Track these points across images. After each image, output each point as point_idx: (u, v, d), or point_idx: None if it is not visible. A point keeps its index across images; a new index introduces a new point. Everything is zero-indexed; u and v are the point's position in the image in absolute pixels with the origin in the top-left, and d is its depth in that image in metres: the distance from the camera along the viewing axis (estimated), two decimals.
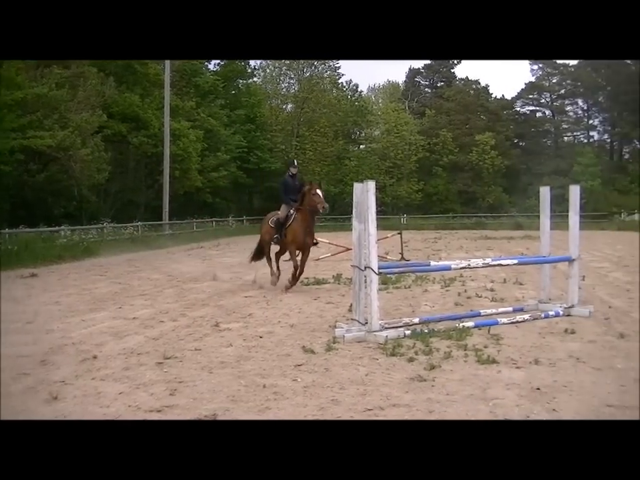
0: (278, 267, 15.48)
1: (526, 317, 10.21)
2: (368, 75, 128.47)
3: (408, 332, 8.92)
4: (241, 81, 60.81)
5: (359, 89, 69.86)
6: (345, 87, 67.34)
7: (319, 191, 14.09)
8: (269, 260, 15.77)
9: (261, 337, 9.15)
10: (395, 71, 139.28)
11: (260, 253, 15.98)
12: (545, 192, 11.27)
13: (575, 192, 10.98)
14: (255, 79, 64.51)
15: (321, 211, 14.09)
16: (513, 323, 9.83)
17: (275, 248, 15.67)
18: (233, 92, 58.43)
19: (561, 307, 10.75)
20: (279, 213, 15.11)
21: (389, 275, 13.21)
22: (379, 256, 9.76)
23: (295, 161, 16.21)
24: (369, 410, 5.71)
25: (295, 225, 14.51)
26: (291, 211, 14.68)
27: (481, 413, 5.59)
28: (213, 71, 56.01)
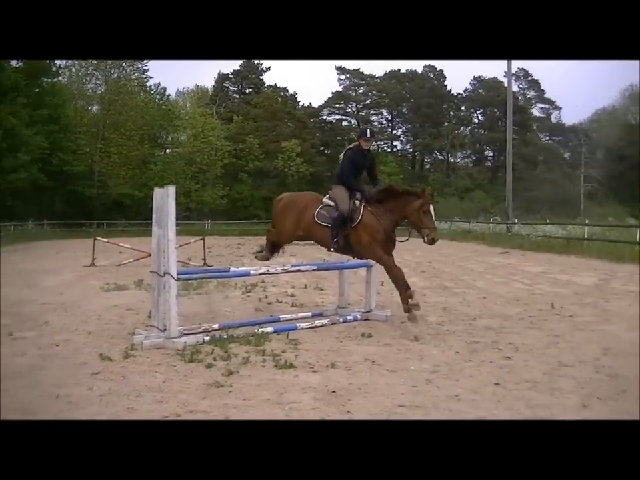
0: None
1: (324, 321, 10.42)
2: (176, 78, 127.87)
3: (207, 338, 8.91)
4: (45, 80, 58.96)
5: (166, 93, 69.69)
6: (152, 89, 66.95)
7: (432, 210, 9.76)
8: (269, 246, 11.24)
9: (57, 346, 8.84)
10: (203, 75, 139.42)
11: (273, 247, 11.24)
12: None
13: None
14: (60, 78, 62.94)
15: (425, 241, 9.78)
16: (311, 327, 10.02)
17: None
18: (37, 90, 56.61)
19: (359, 311, 11.03)
20: (325, 199, 10.53)
21: (190, 281, 13.14)
22: (181, 262, 9.70)
23: (369, 131, 10.78)
24: (166, 417, 5.66)
25: (373, 219, 9.99)
26: (357, 200, 10.11)
27: (277, 417, 5.66)
28: (16, 67, 53.93)
